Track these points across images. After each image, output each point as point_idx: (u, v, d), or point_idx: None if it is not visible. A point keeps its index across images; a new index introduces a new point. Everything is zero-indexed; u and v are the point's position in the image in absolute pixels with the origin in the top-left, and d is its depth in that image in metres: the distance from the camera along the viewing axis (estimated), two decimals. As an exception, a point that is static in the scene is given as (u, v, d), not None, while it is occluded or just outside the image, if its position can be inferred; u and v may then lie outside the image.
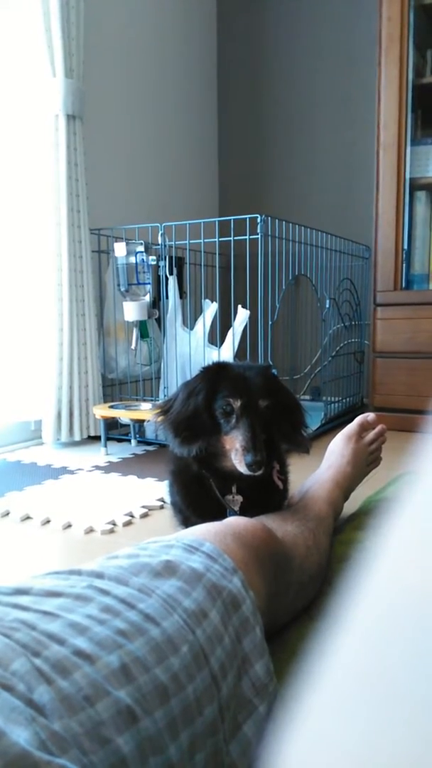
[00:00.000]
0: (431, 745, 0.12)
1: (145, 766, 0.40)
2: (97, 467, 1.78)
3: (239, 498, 0.98)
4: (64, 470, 1.76)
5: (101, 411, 1.90)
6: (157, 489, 1.53)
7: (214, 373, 0.96)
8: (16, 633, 0.43)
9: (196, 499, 1.01)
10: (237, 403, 0.92)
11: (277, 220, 1.86)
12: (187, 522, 1.07)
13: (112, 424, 2.07)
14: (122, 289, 1.93)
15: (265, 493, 1.00)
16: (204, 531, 0.69)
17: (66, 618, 0.46)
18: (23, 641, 0.43)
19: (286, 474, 1.08)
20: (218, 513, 0.98)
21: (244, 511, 0.98)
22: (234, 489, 0.98)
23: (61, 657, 0.42)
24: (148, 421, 1.80)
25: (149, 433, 2.04)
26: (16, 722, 0.36)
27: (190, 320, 2.03)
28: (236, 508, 0.98)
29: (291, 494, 1.17)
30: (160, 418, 0.98)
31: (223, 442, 0.94)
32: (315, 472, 1.17)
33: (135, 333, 1.97)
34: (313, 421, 2.14)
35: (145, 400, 2.07)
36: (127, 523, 1.31)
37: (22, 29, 1.93)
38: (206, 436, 0.93)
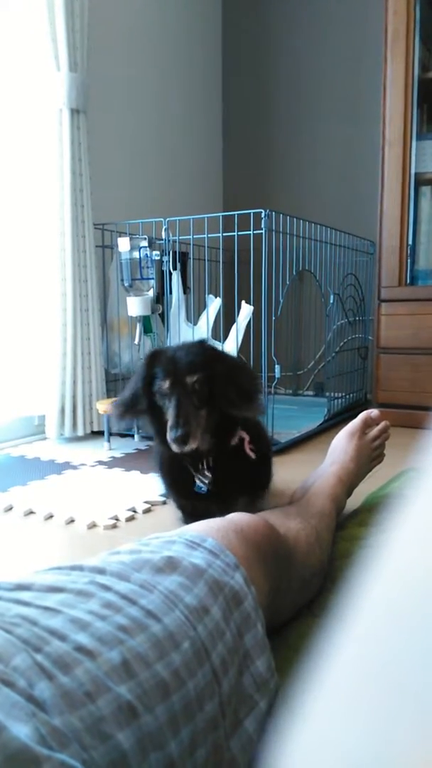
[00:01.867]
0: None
1: (145, 762, 0.40)
2: (101, 462, 1.78)
3: (208, 474, 1.03)
4: (67, 465, 1.76)
5: (105, 406, 1.90)
6: (158, 485, 1.53)
7: (152, 358, 1.02)
8: (17, 628, 0.43)
9: (175, 480, 1.08)
10: (165, 384, 0.97)
11: (281, 215, 1.85)
12: (183, 510, 1.12)
13: (115, 420, 2.06)
14: (126, 284, 1.93)
15: (237, 466, 1.04)
16: (206, 527, 0.69)
17: (67, 614, 0.46)
18: (24, 637, 0.43)
19: (265, 446, 1.11)
20: (196, 491, 1.05)
21: (219, 486, 1.02)
22: (204, 465, 1.02)
23: (62, 653, 0.42)
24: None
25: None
26: (16, 717, 0.36)
27: (193, 315, 2.03)
28: (205, 482, 1.02)
29: (293, 488, 1.17)
30: (112, 405, 1.06)
31: None
32: (318, 468, 1.17)
33: (138, 328, 1.97)
34: (316, 418, 2.14)
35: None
36: (130, 519, 1.31)
37: (25, 22, 1.92)
38: (144, 414, 1.01)
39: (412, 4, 2.08)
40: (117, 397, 1.08)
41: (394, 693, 0.12)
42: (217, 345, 1.92)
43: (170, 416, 0.95)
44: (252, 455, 1.04)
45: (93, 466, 1.75)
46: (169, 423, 0.94)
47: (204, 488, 1.03)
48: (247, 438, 1.04)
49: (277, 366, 1.81)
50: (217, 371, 0.99)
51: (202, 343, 1.04)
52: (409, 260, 2.21)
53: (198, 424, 0.95)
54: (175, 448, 0.93)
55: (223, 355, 1.06)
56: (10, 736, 0.34)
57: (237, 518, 0.74)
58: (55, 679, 0.40)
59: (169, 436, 0.93)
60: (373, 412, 1.23)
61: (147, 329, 2.00)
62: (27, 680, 0.39)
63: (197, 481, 1.03)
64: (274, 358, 1.81)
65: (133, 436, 2.06)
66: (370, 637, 0.14)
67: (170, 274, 1.97)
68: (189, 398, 0.96)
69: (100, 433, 2.05)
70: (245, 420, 1.06)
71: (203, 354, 1.01)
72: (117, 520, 1.30)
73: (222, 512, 0.76)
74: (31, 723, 0.36)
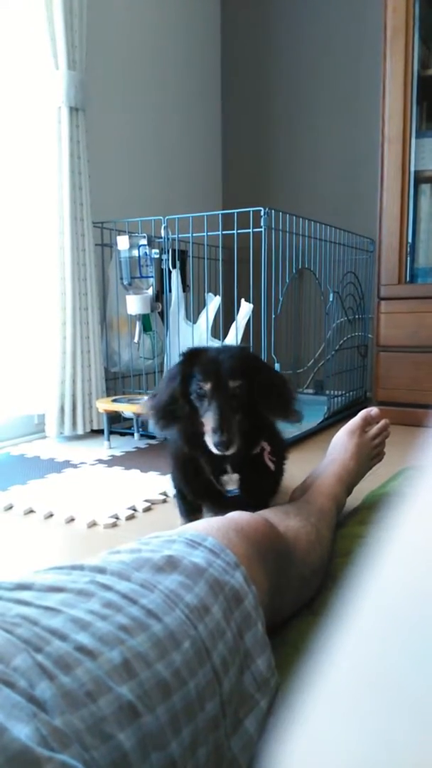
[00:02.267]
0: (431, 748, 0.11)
1: (146, 762, 0.40)
2: (100, 461, 1.78)
3: (235, 476, 1.02)
4: (67, 464, 1.76)
5: (104, 405, 1.90)
6: (160, 483, 1.53)
7: (189, 358, 1.01)
8: (17, 628, 0.43)
9: (192, 480, 1.07)
10: (207, 386, 0.96)
11: (280, 213, 1.85)
12: (189, 511, 1.11)
13: (115, 418, 2.07)
14: (125, 282, 1.93)
15: (255, 474, 1.04)
16: (206, 526, 0.69)
17: (68, 613, 0.46)
18: (25, 637, 0.43)
19: (281, 458, 1.10)
20: (213, 493, 1.04)
21: (243, 491, 1.02)
22: (229, 468, 1.02)
23: (62, 653, 0.42)
24: (139, 411, 1.84)
25: (152, 427, 2.04)
26: (17, 718, 0.36)
27: (193, 314, 2.03)
28: (233, 487, 1.02)
29: (293, 487, 1.17)
30: (146, 406, 1.04)
31: (204, 424, 0.98)
32: (318, 467, 1.17)
33: (138, 326, 1.97)
34: (316, 416, 2.14)
35: (148, 394, 2.07)
36: (130, 517, 1.31)
37: (24, 21, 1.91)
38: (184, 419, 0.99)
39: (411, 2, 2.07)
40: (148, 398, 1.05)
41: (394, 695, 0.12)
42: (217, 343, 1.92)
43: (212, 420, 0.93)
44: (272, 465, 1.04)
45: (93, 464, 1.75)
46: (212, 426, 0.93)
47: (236, 491, 1.02)
48: (268, 448, 1.04)
49: (276, 364, 1.81)
50: (258, 379, 0.99)
51: (243, 349, 1.05)
52: (408, 258, 2.21)
53: (237, 430, 0.95)
54: (216, 451, 0.93)
55: (263, 363, 1.08)
56: (10, 738, 0.34)
57: (237, 517, 0.74)
58: (56, 680, 0.40)
59: (212, 439, 0.92)
60: (373, 410, 1.23)
61: (146, 327, 2.00)
62: (28, 680, 0.39)
63: (224, 485, 1.02)
64: (273, 356, 1.81)
65: (133, 434, 2.06)
66: (370, 638, 0.14)
67: (170, 272, 1.97)
68: (229, 402, 0.95)
69: (99, 432, 2.05)
70: (270, 430, 1.06)
71: (245, 360, 1.01)
72: (117, 518, 1.30)
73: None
74: (32, 724, 0.36)
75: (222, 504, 1.03)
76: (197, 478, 1.04)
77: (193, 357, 1.00)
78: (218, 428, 0.92)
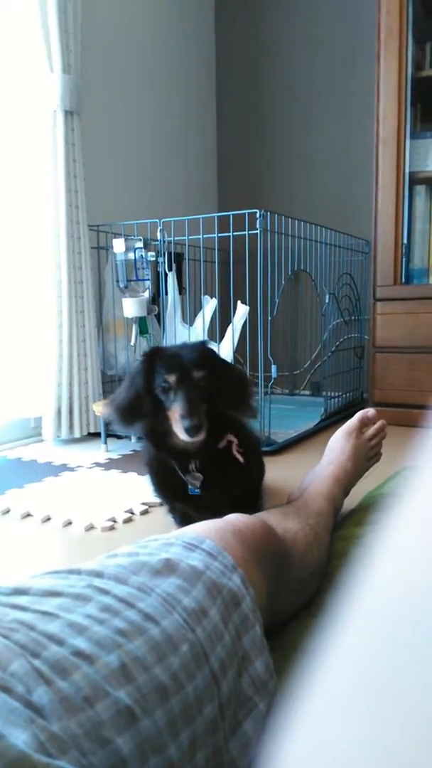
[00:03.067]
0: (430, 749, 0.11)
1: (145, 766, 0.40)
2: (98, 464, 1.78)
3: (198, 475, 1.03)
4: (64, 467, 1.76)
5: (101, 408, 1.89)
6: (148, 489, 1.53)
7: (151, 356, 1.02)
8: (14, 634, 0.43)
9: (165, 483, 1.08)
10: (172, 378, 0.98)
11: (276, 215, 1.85)
12: (182, 522, 1.10)
13: (112, 421, 2.06)
14: (121, 285, 1.92)
15: (227, 469, 1.05)
16: (204, 528, 0.69)
17: (65, 618, 0.46)
18: (22, 642, 0.42)
19: (254, 449, 1.11)
20: (186, 493, 1.05)
21: (205, 488, 1.03)
22: (193, 466, 1.02)
23: (60, 657, 0.42)
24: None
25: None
26: (14, 724, 0.36)
27: (189, 316, 2.03)
28: (197, 484, 1.03)
29: (291, 489, 1.17)
30: (106, 407, 1.04)
31: (169, 419, 0.99)
32: (315, 468, 1.17)
33: (134, 329, 1.97)
34: (313, 417, 2.14)
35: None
36: (128, 520, 1.31)
37: (19, 24, 1.91)
38: (149, 416, 1.00)
39: (405, 3, 2.08)
40: (110, 399, 1.07)
41: (391, 696, 0.12)
42: (214, 346, 1.92)
43: (180, 407, 0.95)
44: (240, 458, 1.04)
45: (90, 467, 1.74)
46: (180, 413, 0.95)
47: (196, 490, 1.03)
48: (235, 441, 1.05)
49: (273, 366, 1.81)
50: (216, 372, 1.01)
51: (204, 343, 1.07)
52: (404, 259, 2.21)
53: (204, 416, 0.96)
54: (186, 437, 0.94)
55: (220, 358, 1.09)
56: (8, 744, 0.34)
57: (235, 519, 0.74)
58: (54, 685, 0.40)
59: (182, 425, 0.94)
60: (370, 411, 1.23)
61: (143, 330, 1.99)
62: (25, 686, 0.39)
63: (191, 483, 1.03)
64: (270, 357, 1.81)
65: (129, 437, 2.06)
66: (367, 640, 0.14)
67: (166, 275, 1.97)
68: (195, 391, 0.97)
69: (96, 435, 2.05)
70: (234, 424, 1.07)
71: (206, 353, 1.03)
72: (114, 522, 1.30)
73: (212, 515, 0.76)
74: (30, 729, 0.36)
75: (196, 505, 1.04)
76: (170, 480, 1.06)
77: (155, 355, 1.02)
78: (187, 414, 0.94)
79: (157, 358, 1.01)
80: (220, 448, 1.03)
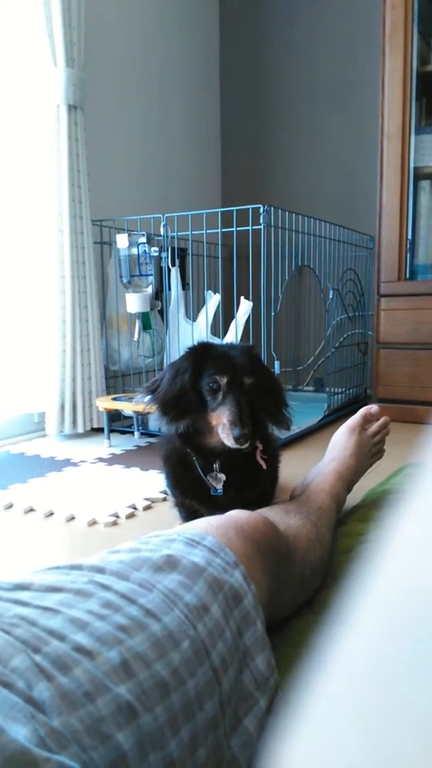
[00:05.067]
0: (431, 750, 0.11)
1: (145, 762, 0.40)
2: (101, 459, 1.78)
3: (222, 476, 1.02)
4: (67, 462, 1.76)
5: (104, 403, 1.90)
6: (160, 481, 1.53)
7: (200, 352, 1.00)
8: (16, 629, 0.43)
9: (182, 479, 1.06)
10: (223, 380, 0.96)
11: (280, 210, 1.84)
12: (182, 504, 1.10)
13: (115, 416, 2.07)
14: (125, 280, 1.92)
15: (247, 473, 1.04)
16: (206, 524, 0.69)
17: (66, 613, 0.46)
18: (23, 637, 0.42)
19: (274, 456, 1.10)
20: (203, 492, 1.03)
21: (226, 490, 1.02)
22: (216, 467, 1.01)
23: (61, 653, 0.42)
24: (141, 406, 1.82)
25: (152, 425, 2.04)
26: (15, 719, 0.36)
27: (192, 311, 2.03)
28: (218, 486, 1.02)
29: (293, 485, 1.17)
30: (147, 398, 1.01)
31: (209, 419, 0.98)
32: (318, 464, 1.17)
33: (137, 324, 1.97)
34: (316, 413, 2.14)
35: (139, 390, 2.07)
36: (130, 516, 1.31)
37: (23, 18, 1.91)
38: (193, 414, 0.97)
39: (410, -3, 2.07)
40: (148, 389, 1.03)
41: (393, 694, 0.12)
42: (217, 341, 1.92)
43: (229, 413, 0.94)
44: (263, 464, 1.04)
45: (93, 463, 1.75)
46: (229, 419, 0.93)
47: (220, 490, 1.02)
48: (260, 447, 1.04)
49: (276, 362, 1.80)
50: (262, 379, 1.00)
51: (252, 348, 1.05)
52: (408, 255, 2.20)
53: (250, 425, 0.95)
54: (233, 444, 0.93)
55: (266, 366, 1.08)
56: (8, 739, 0.34)
57: (237, 515, 0.74)
58: (54, 680, 0.40)
59: (230, 432, 0.93)
60: (373, 407, 1.23)
61: (146, 326, 1.99)
62: (26, 681, 0.39)
63: (212, 483, 1.02)
64: (273, 353, 1.81)
65: (133, 432, 2.06)
66: (370, 637, 0.14)
67: (169, 270, 1.97)
68: (245, 398, 0.96)
69: (99, 430, 2.05)
70: (262, 429, 1.06)
71: (255, 359, 1.02)
72: (117, 517, 1.30)
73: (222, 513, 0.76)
74: (30, 725, 0.36)
75: (210, 504, 1.03)
76: (187, 476, 1.05)
77: (203, 351, 1.00)
78: (238, 421, 0.93)
79: (205, 356, 0.99)
80: (245, 452, 1.02)
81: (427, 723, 0.12)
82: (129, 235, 1.88)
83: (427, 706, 0.12)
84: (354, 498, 1.22)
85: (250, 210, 1.77)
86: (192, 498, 1.07)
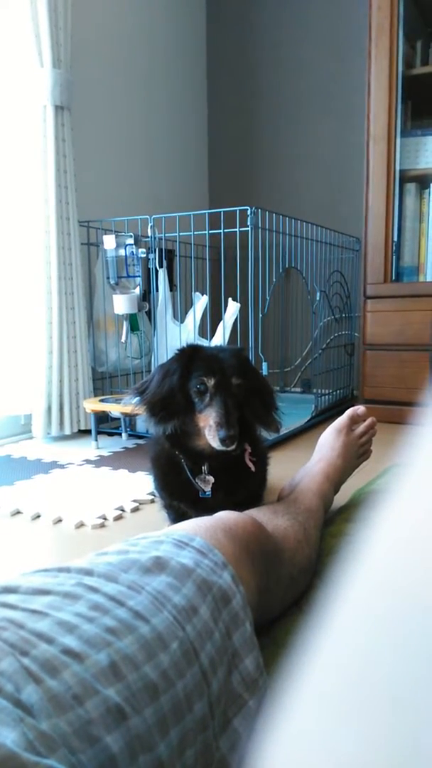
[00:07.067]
0: (417, 747, 0.11)
1: (134, 765, 0.40)
2: (88, 461, 1.78)
3: (210, 478, 1.02)
4: (54, 464, 1.75)
5: (91, 405, 1.89)
6: (148, 483, 1.52)
7: (189, 354, 1.00)
8: (3, 632, 0.43)
9: (171, 481, 1.06)
10: (210, 382, 0.96)
11: (267, 212, 1.85)
12: (170, 506, 1.10)
13: (102, 418, 2.06)
14: (112, 281, 1.92)
15: (236, 475, 1.04)
16: (194, 526, 0.69)
17: (54, 616, 0.46)
18: (11, 640, 0.42)
19: (263, 459, 1.10)
20: (191, 494, 1.03)
21: (214, 492, 1.01)
22: (205, 469, 1.01)
23: (49, 656, 0.42)
24: (128, 407, 1.82)
25: (140, 427, 2.03)
26: (3, 723, 0.35)
27: (180, 313, 2.03)
28: (207, 489, 1.01)
29: (280, 485, 1.17)
30: (136, 399, 1.01)
31: (197, 421, 0.98)
32: (305, 465, 1.17)
33: (125, 326, 1.96)
34: (303, 414, 2.14)
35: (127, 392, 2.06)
36: (118, 518, 1.31)
37: (8, 18, 1.90)
38: (181, 415, 0.97)
39: (396, 1, 2.08)
40: (136, 391, 1.03)
41: (378, 692, 0.12)
42: (204, 343, 1.92)
43: (216, 415, 0.94)
44: (252, 467, 1.04)
45: (80, 465, 1.74)
46: (216, 421, 0.93)
47: (208, 493, 1.02)
48: (248, 449, 1.04)
49: (264, 363, 1.81)
50: (251, 382, 1.00)
51: (241, 350, 1.06)
52: (394, 257, 2.22)
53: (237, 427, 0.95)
54: (219, 446, 0.93)
55: (255, 368, 1.08)
56: (-4, 743, 0.34)
57: (225, 517, 0.74)
58: (43, 683, 0.40)
59: (217, 434, 0.93)
60: (360, 408, 1.23)
61: (134, 327, 1.99)
62: (14, 684, 0.39)
63: (200, 485, 1.02)
64: (261, 355, 1.81)
65: (120, 434, 2.05)
66: (355, 636, 0.14)
67: (156, 271, 1.97)
68: (233, 400, 0.96)
69: (87, 432, 2.04)
70: (250, 432, 1.06)
71: (244, 360, 1.02)
72: (105, 519, 1.30)
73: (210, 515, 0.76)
74: (19, 728, 0.36)
75: (198, 506, 1.03)
76: (175, 478, 1.04)
77: (192, 353, 1.00)
78: (224, 423, 0.93)
79: (194, 358, 0.99)
80: (234, 454, 1.02)
81: (415, 719, 0.12)
82: (116, 236, 1.87)
83: (414, 703, 0.12)
84: (341, 498, 1.23)
85: (238, 212, 1.77)
86: (180, 500, 1.07)
